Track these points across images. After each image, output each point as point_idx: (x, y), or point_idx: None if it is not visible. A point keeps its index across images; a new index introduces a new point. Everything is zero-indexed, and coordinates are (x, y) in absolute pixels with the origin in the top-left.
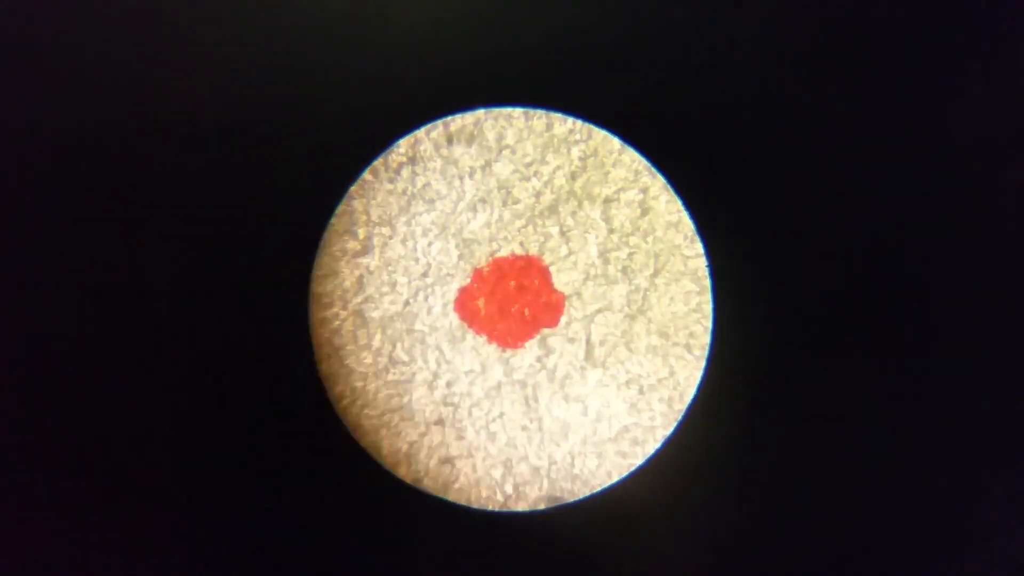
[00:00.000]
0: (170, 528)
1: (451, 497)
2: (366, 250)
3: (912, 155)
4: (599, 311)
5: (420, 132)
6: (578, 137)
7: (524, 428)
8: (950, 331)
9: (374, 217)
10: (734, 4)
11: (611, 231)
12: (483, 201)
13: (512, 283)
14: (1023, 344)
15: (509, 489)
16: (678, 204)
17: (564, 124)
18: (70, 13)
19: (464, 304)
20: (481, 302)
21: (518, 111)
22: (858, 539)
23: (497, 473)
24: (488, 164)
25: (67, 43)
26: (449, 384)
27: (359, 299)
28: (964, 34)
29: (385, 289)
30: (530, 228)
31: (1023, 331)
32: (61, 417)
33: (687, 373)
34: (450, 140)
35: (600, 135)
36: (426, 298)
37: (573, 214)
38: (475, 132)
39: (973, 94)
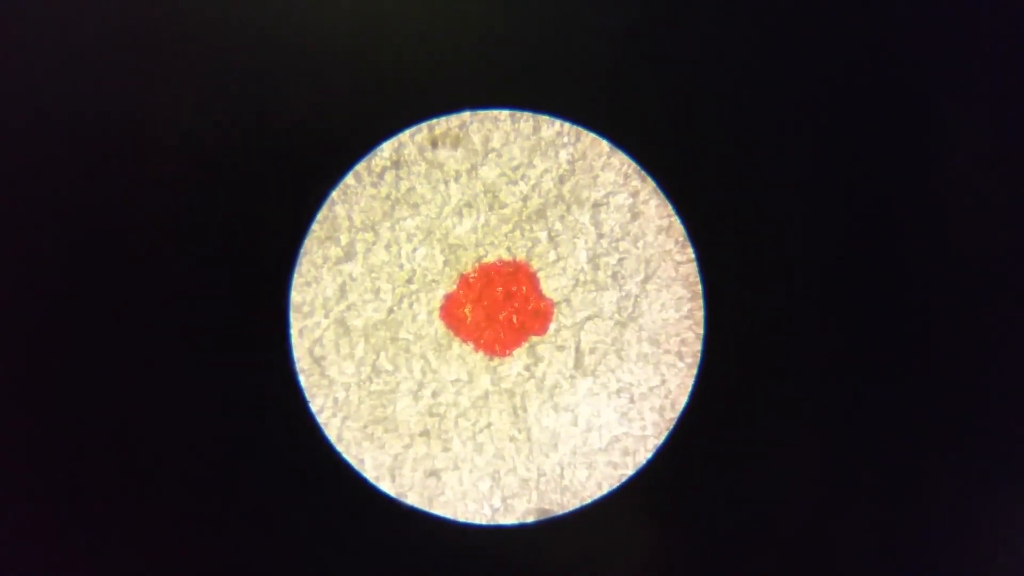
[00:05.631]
0: (143, 546)
1: (436, 511)
2: (349, 256)
3: (908, 157)
4: (589, 318)
5: (404, 135)
6: (566, 140)
7: (512, 439)
8: (947, 338)
9: (357, 223)
10: (726, 5)
11: (600, 236)
12: (469, 206)
13: (499, 290)
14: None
15: (496, 502)
16: (669, 208)
17: (552, 127)
18: (48, 14)
19: (450, 311)
20: (467, 309)
21: (504, 113)
22: (853, 551)
23: (484, 486)
24: (474, 168)
25: (44, 44)
26: (435, 394)
27: (341, 307)
28: (962, 36)
29: (368, 296)
30: (517, 233)
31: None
32: (30, 427)
33: (679, 381)
34: (435, 143)
35: (589, 138)
36: (411, 305)
37: (561, 219)
38: (460, 135)
39: (972, 98)
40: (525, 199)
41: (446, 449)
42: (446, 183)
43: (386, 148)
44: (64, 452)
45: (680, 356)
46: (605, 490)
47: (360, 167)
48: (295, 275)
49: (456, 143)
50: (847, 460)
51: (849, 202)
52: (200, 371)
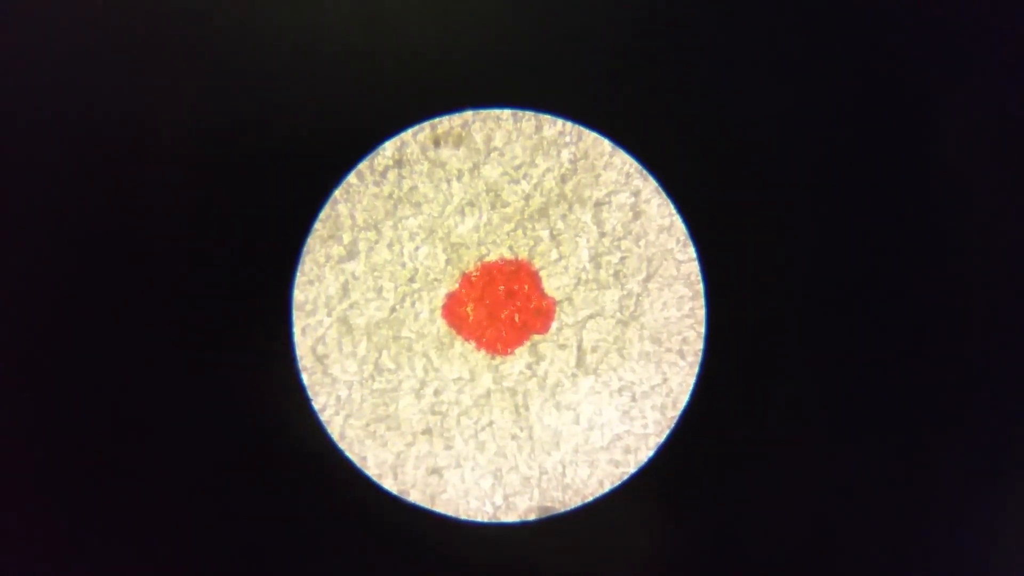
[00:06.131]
0: (145, 544)
1: (438, 509)
2: (351, 255)
3: (910, 157)
4: (590, 317)
5: (406, 134)
6: (568, 139)
7: (514, 437)
8: (950, 336)
9: (359, 221)
10: (728, 5)
11: (602, 235)
12: (471, 204)
13: (501, 288)
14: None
15: (499, 500)
16: (670, 207)
17: (554, 126)
18: (51, 13)
19: (452, 310)
20: (469, 308)
21: (506, 113)
22: (856, 549)
23: (486, 483)
24: (476, 167)
25: (46, 43)
26: (437, 392)
27: (344, 306)
28: (962, 37)
29: (371, 295)
30: (519, 232)
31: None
32: (30, 427)
33: (680, 380)
34: (437, 142)
35: (591, 137)
36: (413, 304)
37: (563, 218)
38: (463, 134)
39: (974, 99)
40: (527, 198)
41: (448, 447)
42: (448, 182)
43: (388, 147)
44: (65, 450)
45: (682, 355)
46: (607, 488)
47: (363, 166)
48: (298, 273)
49: (458, 142)
50: (849, 458)
51: (851, 201)
52: (202, 369)
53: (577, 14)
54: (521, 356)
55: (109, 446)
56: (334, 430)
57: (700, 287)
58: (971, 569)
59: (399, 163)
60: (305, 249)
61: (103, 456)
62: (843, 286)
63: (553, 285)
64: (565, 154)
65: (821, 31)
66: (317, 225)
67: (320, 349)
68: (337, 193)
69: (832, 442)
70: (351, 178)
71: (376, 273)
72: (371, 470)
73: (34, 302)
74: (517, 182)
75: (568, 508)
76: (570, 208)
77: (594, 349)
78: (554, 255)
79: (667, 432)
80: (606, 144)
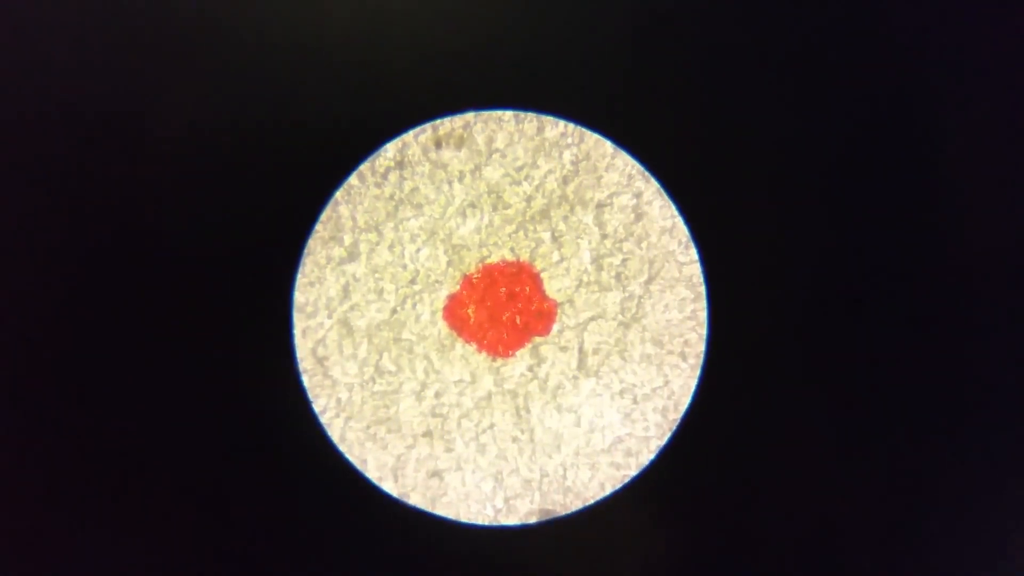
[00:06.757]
0: (145, 546)
1: (439, 511)
2: (352, 257)
3: (912, 159)
4: (592, 319)
5: (408, 135)
6: (570, 141)
7: (515, 439)
8: (951, 337)
9: (361, 223)
10: (730, 7)
11: (604, 237)
12: (473, 206)
13: (503, 290)
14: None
15: (499, 503)
16: (672, 209)
17: (555, 127)
18: (55, 14)
19: (453, 312)
20: (471, 310)
21: (508, 114)
22: (858, 550)
23: (487, 486)
24: (478, 168)
25: (50, 45)
26: (438, 395)
27: (344, 307)
28: (963, 41)
29: (372, 297)
30: (521, 234)
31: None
32: (31, 428)
33: (682, 382)
34: (439, 144)
35: (592, 139)
36: (414, 306)
37: (565, 219)
38: (464, 136)
39: (976, 101)
40: (529, 200)
41: (449, 450)
42: (450, 183)
43: (390, 148)
44: (65, 452)
45: (683, 357)
46: (608, 491)
47: (364, 167)
48: (299, 275)
49: (460, 143)
50: (850, 460)
51: (853, 203)
52: (203, 371)
53: (579, 16)
54: (522, 358)
55: (109, 447)
56: (334, 433)
57: (702, 289)
58: (973, 569)
59: (400, 164)
60: (306, 251)
61: (103, 457)
62: (845, 288)
63: (554, 287)
64: (567, 155)
65: (823, 34)
66: (318, 227)
67: (321, 351)
68: (338, 194)
69: (833, 444)
70: (352, 179)
71: (377, 275)
72: (371, 473)
73: (36, 303)
74: (519, 183)
75: (569, 511)
76: (572, 210)
77: (595, 351)
78: (556, 257)
79: (669, 435)
80: (608, 146)
